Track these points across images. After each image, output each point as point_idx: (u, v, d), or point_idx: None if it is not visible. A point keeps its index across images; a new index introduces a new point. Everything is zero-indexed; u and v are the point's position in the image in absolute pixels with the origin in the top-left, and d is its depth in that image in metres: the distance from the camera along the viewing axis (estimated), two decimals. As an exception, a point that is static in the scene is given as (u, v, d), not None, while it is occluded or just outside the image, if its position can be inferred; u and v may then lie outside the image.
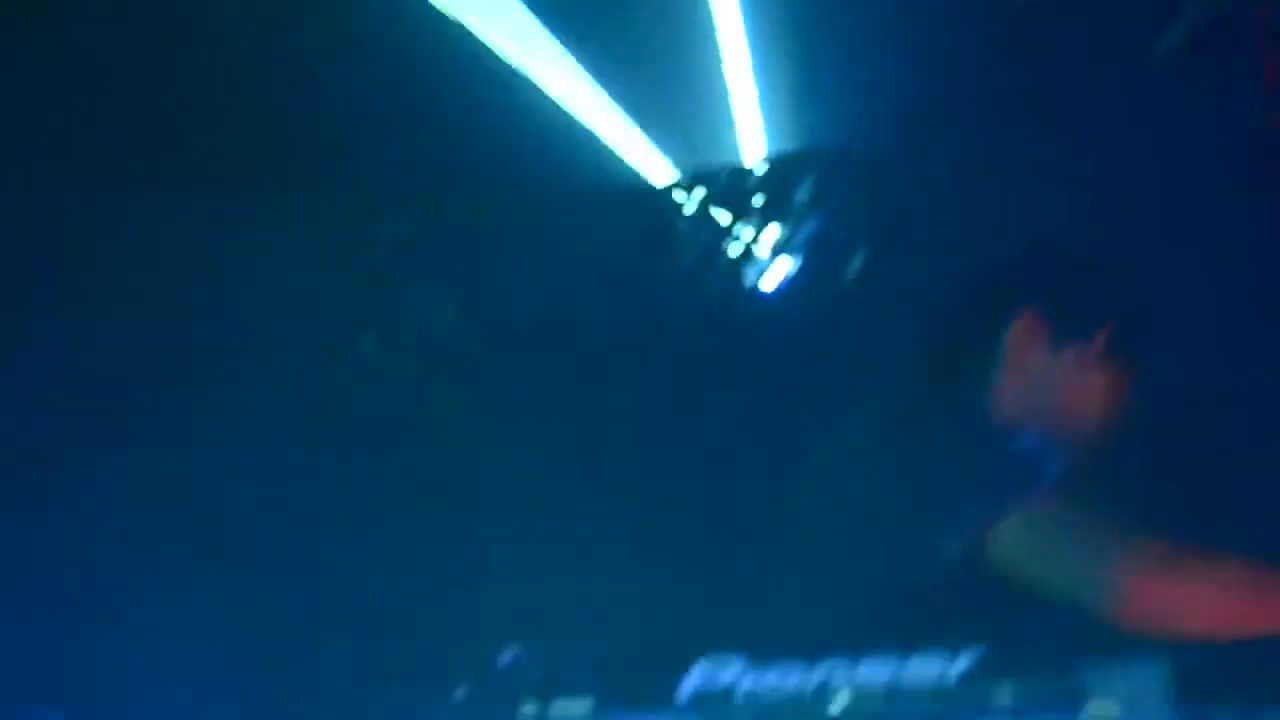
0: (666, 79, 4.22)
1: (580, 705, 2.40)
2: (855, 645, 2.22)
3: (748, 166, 4.27)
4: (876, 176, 4.08)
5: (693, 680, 2.33)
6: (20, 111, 3.84)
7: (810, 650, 2.27)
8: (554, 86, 4.19)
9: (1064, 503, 2.64)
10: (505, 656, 2.48)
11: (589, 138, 4.27)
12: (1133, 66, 3.54)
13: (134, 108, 3.91)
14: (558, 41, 4.17)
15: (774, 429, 3.66)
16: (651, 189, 4.31)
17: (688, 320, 4.19)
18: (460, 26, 4.09)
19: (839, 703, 2.18)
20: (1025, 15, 3.69)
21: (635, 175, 4.33)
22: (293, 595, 3.86)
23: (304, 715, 3.52)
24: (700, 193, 4.29)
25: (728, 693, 2.28)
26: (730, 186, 4.26)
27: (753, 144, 4.28)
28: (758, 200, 4.24)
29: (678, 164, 4.31)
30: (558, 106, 4.20)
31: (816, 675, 2.22)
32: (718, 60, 4.25)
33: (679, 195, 4.32)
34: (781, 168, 4.25)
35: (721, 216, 4.28)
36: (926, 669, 2.13)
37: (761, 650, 2.31)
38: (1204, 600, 2.52)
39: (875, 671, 2.18)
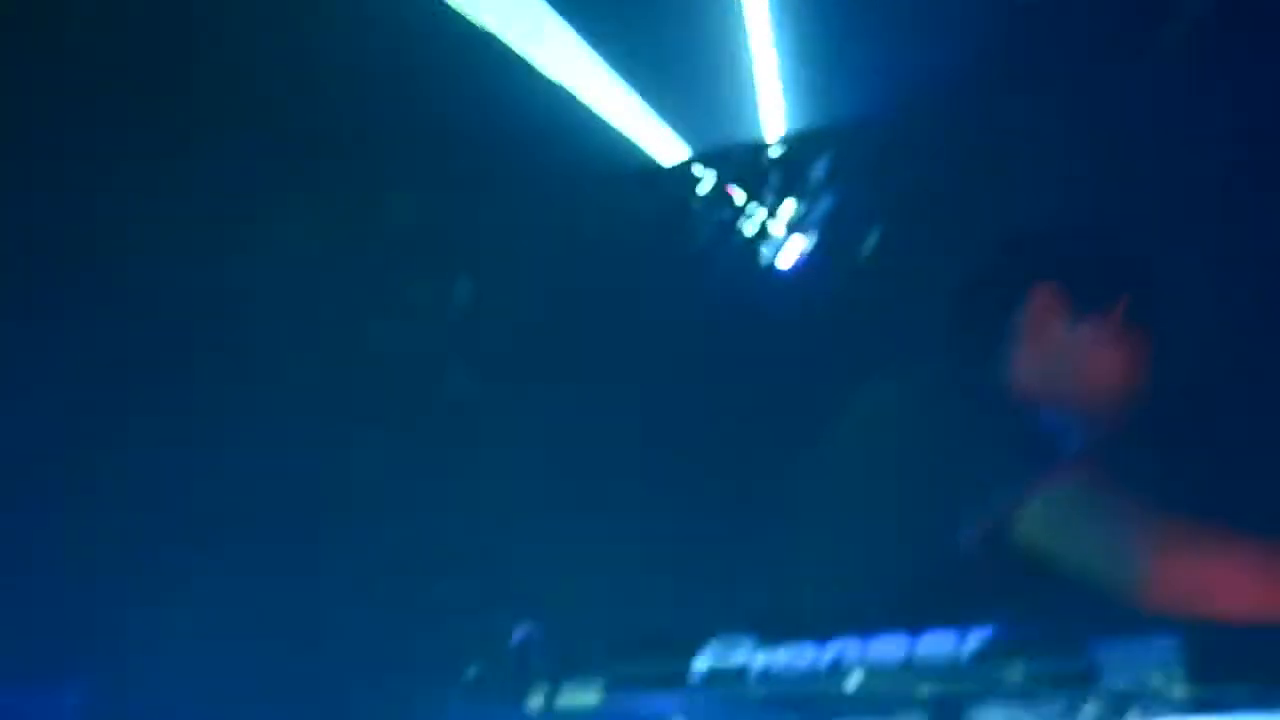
0: (681, 57, 4.20)
1: (591, 685, 2.38)
2: (868, 624, 2.20)
3: (763, 144, 4.25)
4: (893, 152, 4.06)
5: (704, 660, 2.30)
6: (19, 110, 3.83)
7: (823, 629, 2.24)
8: (566, 66, 4.16)
9: (1083, 479, 2.61)
10: (516, 636, 2.46)
11: (604, 117, 4.25)
12: (1149, 39, 3.51)
13: (134, 108, 3.90)
14: (571, 27, 4.15)
15: (788, 407, 3.64)
16: (668, 169, 4.30)
17: (704, 299, 4.17)
18: (472, 10, 4.07)
19: (852, 681, 2.15)
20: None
21: (651, 155, 4.31)
22: (305, 576, 3.86)
23: (317, 694, 3.52)
24: (716, 171, 4.27)
25: (740, 673, 2.26)
26: (746, 164, 4.25)
27: (768, 121, 4.25)
28: (774, 178, 4.21)
29: (693, 143, 4.29)
30: (570, 87, 4.18)
31: (829, 654, 2.19)
32: (733, 37, 4.22)
33: (695, 174, 4.30)
34: (797, 145, 4.23)
35: (737, 195, 4.26)
36: (940, 648, 2.10)
37: (774, 630, 2.29)
38: (1225, 580, 2.49)
39: (889, 650, 2.15)
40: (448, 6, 4.00)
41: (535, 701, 2.35)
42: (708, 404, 3.96)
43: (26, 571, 3.80)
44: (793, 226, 4.17)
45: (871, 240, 4.04)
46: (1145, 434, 2.87)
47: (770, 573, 2.86)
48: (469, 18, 4.01)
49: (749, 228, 4.22)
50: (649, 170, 4.24)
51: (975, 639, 2.06)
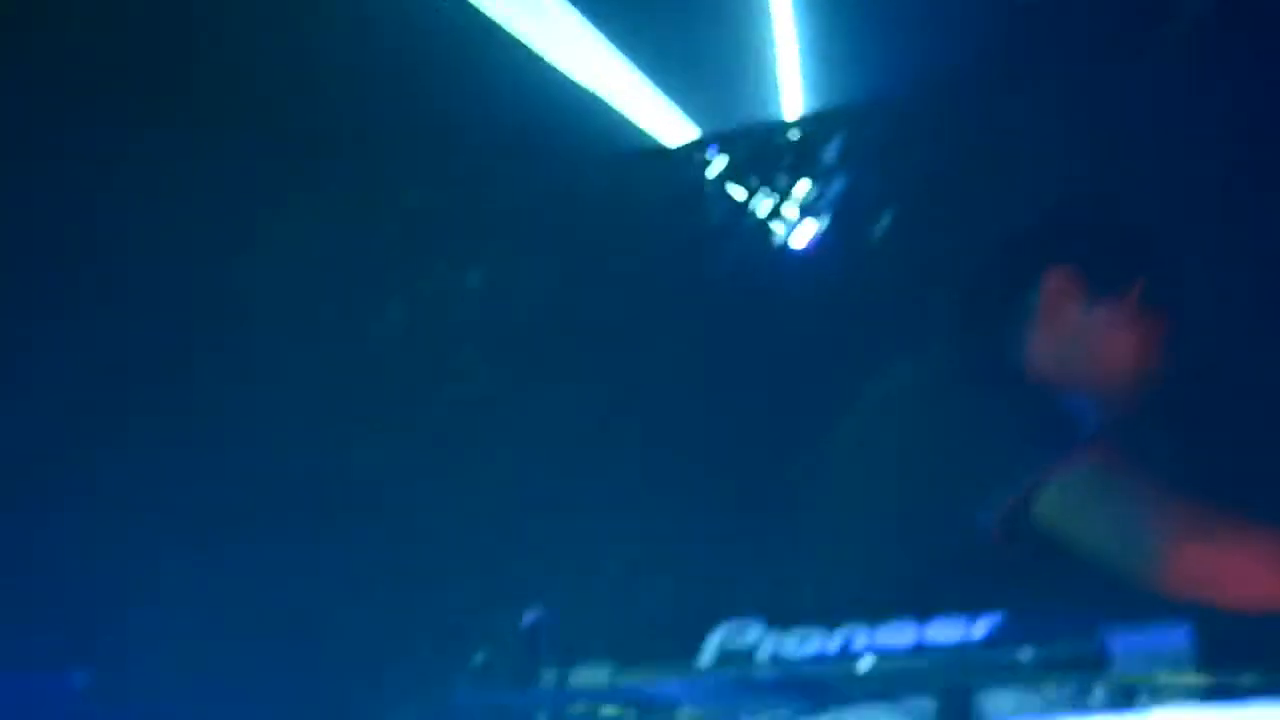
0: (693, 40, 4.18)
1: (600, 668, 2.37)
2: (879, 608, 2.18)
3: (776, 125, 4.23)
4: (907, 135, 4.04)
5: (714, 643, 2.29)
6: (19, 110, 3.82)
7: (834, 613, 2.23)
8: (573, 49, 4.15)
9: (1099, 463, 2.59)
10: (525, 620, 2.45)
11: (616, 101, 4.23)
12: (1165, 22, 3.49)
13: (134, 108, 3.89)
14: (578, 10, 4.13)
15: (802, 390, 3.63)
16: (679, 151, 4.28)
17: (716, 281, 4.16)
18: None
19: (862, 666, 2.14)
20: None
21: (662, 138, 4.29)
22: (306, 575, 3.85)
23: (328, 676, 3.51)
24: (728, 154, 4.25)
25: (749, 655, 2.24)
26: (758, 146, 4.23)
27: (782, 102, 4.23)
28: (787, 160, 4.19)
29: (706, 125, 4.27)
30: (578, 70, 4.16)
31: (839, 638, 2.17)
32: (746, 19, 4.20)
33: (707, 156, 4.28)
34: (811, 126, 4.21)
35: (750, 176, 4.24)
36: (950, 632, 2.08)
37: (784, 613, 2.27)
38: (1239, 567, 2.48)
39: (899, 634, 2.14)
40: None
41: (543, 686, 2.34)
42: (722, 387, 3.95)
43: (27, 571, 3.80)
44: (805, 209, 4.15)
45: (885, 223, 4.02)
46: (1161, 417, 2.85)
47: (782, 556, 2.85)
48: (473, 4, 4.00)
49: (761, 210, 4.20)
50: (660, 153, 4.23)
51: (986, 624, 2.05)
